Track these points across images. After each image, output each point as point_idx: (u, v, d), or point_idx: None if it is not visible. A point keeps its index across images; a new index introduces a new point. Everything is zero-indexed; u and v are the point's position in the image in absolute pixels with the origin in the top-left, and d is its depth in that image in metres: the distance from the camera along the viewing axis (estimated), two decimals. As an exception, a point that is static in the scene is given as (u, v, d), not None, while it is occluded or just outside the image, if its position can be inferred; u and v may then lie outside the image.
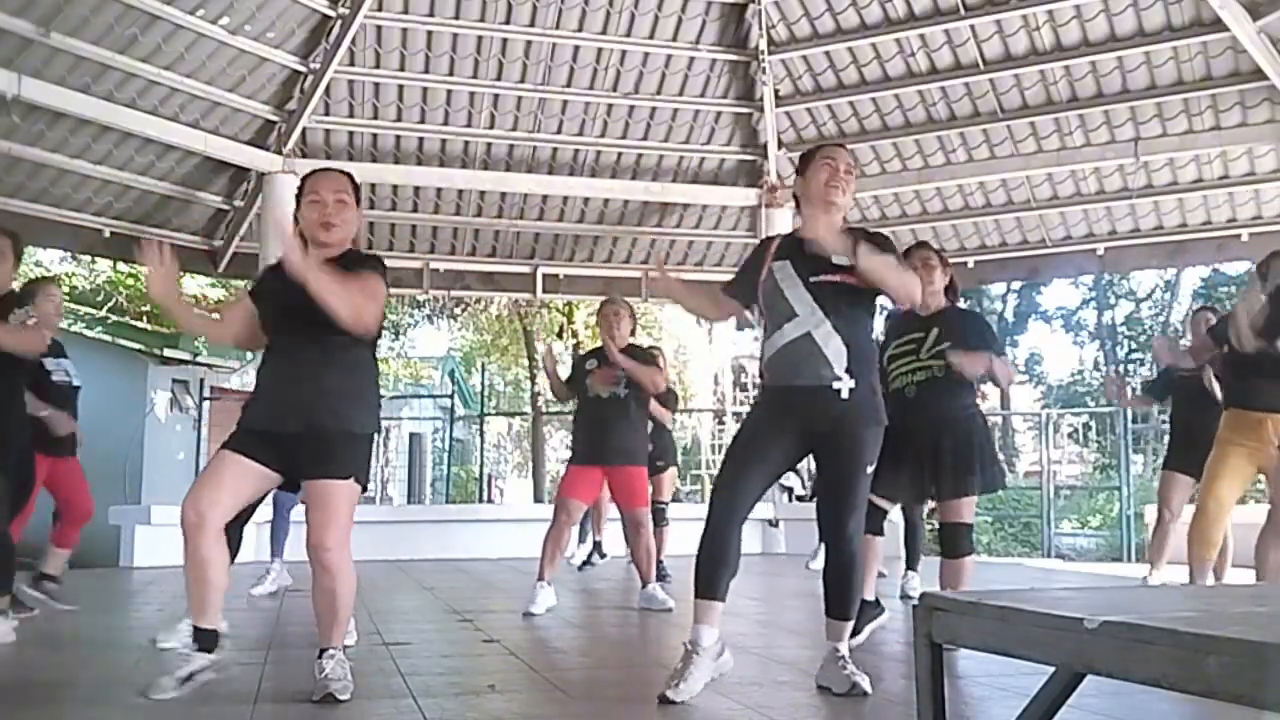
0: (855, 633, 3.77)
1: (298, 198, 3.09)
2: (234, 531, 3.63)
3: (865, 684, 3.01)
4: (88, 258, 13.38)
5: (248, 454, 2.91)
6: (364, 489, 3.02)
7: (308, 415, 2.89)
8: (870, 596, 3.95)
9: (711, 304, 3.51)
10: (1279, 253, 4.62)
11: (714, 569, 3.04)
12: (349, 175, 3.14)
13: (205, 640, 2.89)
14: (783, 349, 3.10)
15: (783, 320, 3.11)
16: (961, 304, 4.32)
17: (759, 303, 3.24)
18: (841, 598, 3.14)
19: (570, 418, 5.84)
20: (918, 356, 3.95)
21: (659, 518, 7.01)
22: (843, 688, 3.01)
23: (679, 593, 6.03)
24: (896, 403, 3.88)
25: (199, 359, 13.04)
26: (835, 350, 3.05)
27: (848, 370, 3.05)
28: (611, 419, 5.14)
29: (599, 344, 5.42)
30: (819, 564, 5.36)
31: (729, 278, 3.47)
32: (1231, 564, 5.37)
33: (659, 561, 6.80)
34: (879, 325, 4.05)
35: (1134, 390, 6.23)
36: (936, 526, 4.06)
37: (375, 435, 3.09)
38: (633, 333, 5.37)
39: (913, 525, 5.81)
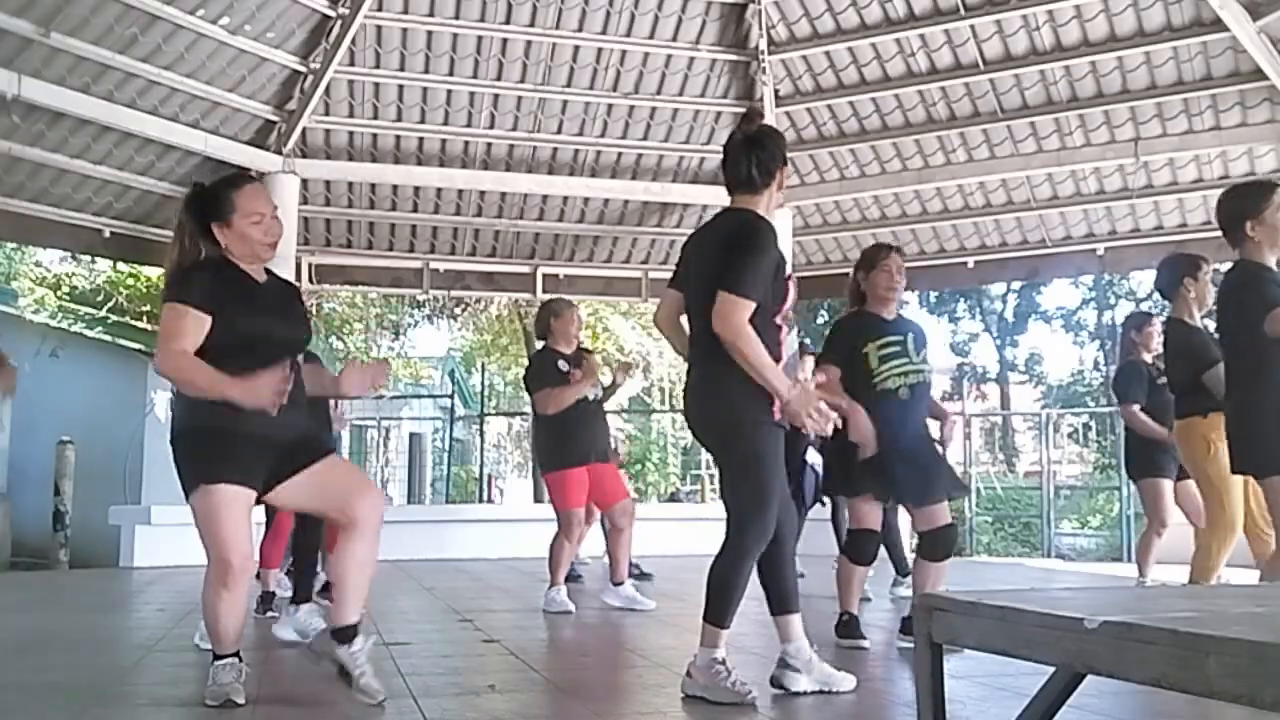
0: (858, 637, 3.86)
1: (221, 209, 2.91)
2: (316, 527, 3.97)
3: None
4: (88, 258, 13.36)
5: (250, 486, 2.85)
6: None
7: (304, 428, 2.98)
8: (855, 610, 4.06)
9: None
10: (1190, 256, 4.50)
11: (740, 598, 2.99)
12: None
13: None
14: (793, 352, 3.14)
15: (785, 329, 3.13)
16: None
17: (785, 300, 3.06)
18: (794, 590, 3.12)
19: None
20: (911, 359, 3.95)
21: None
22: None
23: (681, 591, 6.03)
24: (889, 405, 3.89)
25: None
26: None
27: None
28: (595, 419, 5.19)
29: (544, 344, 5.36)
30: (905, 590, 5.35)
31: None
32: (1226, 563, 5.35)
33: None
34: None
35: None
36: (919, 534, 4.05)
37: None
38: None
39: (893, 529, 5.71)
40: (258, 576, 4.83)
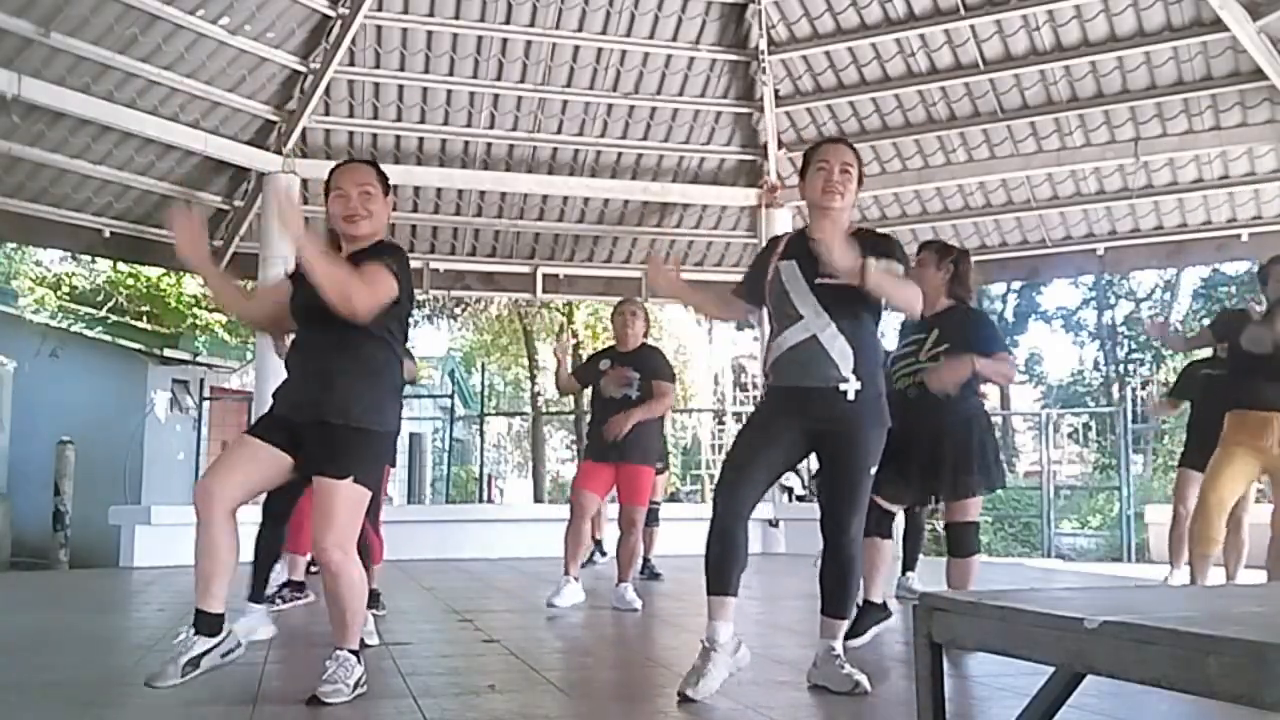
0: (859, 634, 3.81)
1: (325, 194, 3.09)
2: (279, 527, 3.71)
3: (865, 682, 3.01)
4: (88, 258, 13.36)
5: (262, 437, 2.95)
6: (369, 486, 2.96)
7: (318, 408, 2.91)
8: (878, 599, 3.96)
9: (718, 303, 3.50)
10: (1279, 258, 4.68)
11: (723, 564, 3.05)
12: (374, 164, 3.14)
13: (207, 624, 2.84)
14: (788, 351, 3.10)
15: (788, 322, 3.11)
16: (972, 301, 4.25)
17: (767, 304, 3.25)
18: (840, 596, 3.15)
19: (570, 417, 5.89)
20: (917, 358, 3.97)
21: (651, 517, 7.01)
22: (844, 686, 3.01)
23: (681, 591, 6.04)
24: (898, 404, 3.89)
25: (199, 359, 13.04)
26: (841, 352, 3.06)
27: (854, 372, 3.05)
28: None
29: (611, 344, 5.50)
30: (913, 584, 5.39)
31: (738, 279, 3.46)
32: (1245, 564, 5.37)
33: (647, 560, 6.82)
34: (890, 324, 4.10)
35: (1177, 331, 6.28)
36: (942, 527, 4.09)
37: (387, 433, 3.05)
38: (646, 334, 5.42)
39: (916, 528, 5.78)
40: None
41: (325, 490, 2.87)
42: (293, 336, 3.17)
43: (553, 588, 5.09)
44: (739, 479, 3.10)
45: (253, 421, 3.05)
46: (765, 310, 3.28)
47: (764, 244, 3.47)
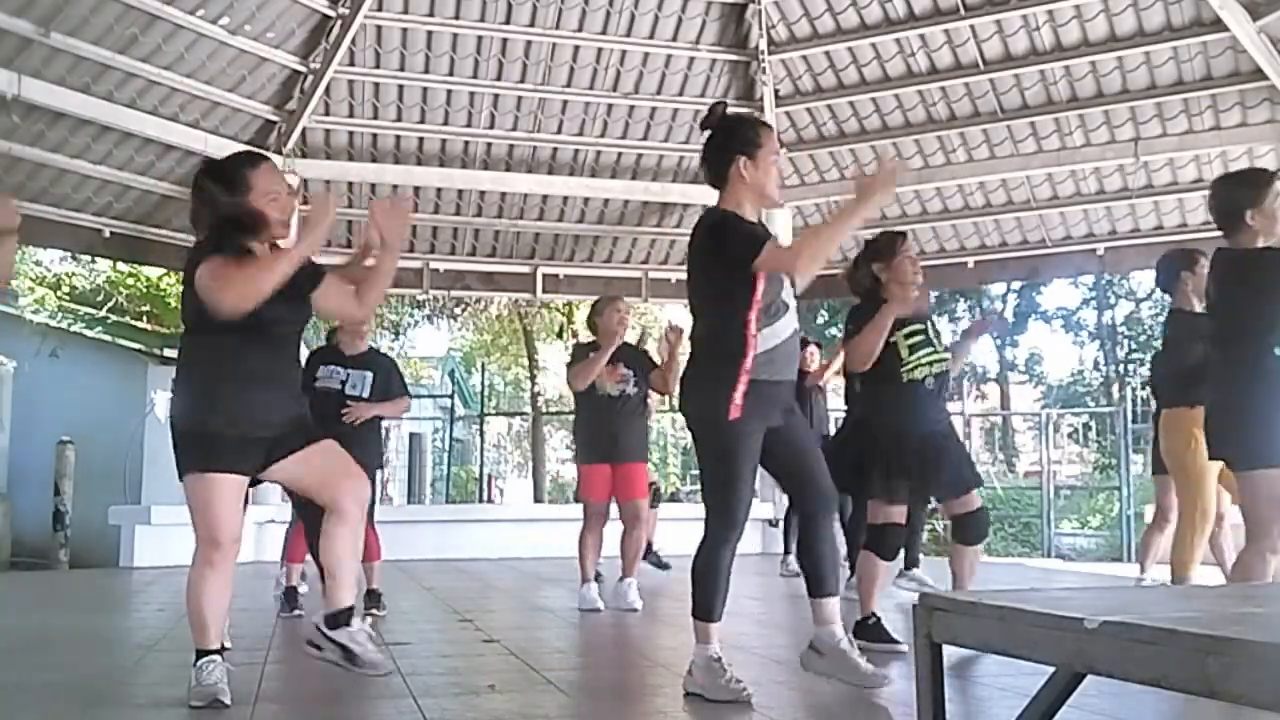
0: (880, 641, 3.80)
1: (237, 188, 2.92)
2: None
3: (881, 672, 3.01)
4: (88, 258, 13.37)
5: (239, 470, 2.92)
6: None
7: (289, 412, 3.00)
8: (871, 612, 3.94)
9: None
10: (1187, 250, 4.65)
11: (722, 590, 3.03)
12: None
13: (219, 652, 2.96)
14: (785, 344, 3.08)
15: (779, 314, 3.07)
16: None
17: (762, 290, 3.04)
18: (830, 569, 3.12)
19: (570, 417, 5.87)
20: (935, 349, 3.92)
21: (651, 499, 7.00)
22: (860, 679, 2.99)
23: (681, 592, 6.02)
24: (915, 396, 3.83)
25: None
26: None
27: None
28: (621, 417, 5.20)
29: (592, 339, 5.40)
30: (909, 582, 5.40)
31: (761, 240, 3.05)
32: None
33: (650, 545, 6.81)
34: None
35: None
36: (950, 521, 4.07)
37: None
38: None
39: (915, 527, 5.77)
40: (281, 566, 5.07)
41: (331, 447, 3.03)
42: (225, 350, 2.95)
43: (577, 598, 5.11)
44: (741, 499, 3.05)
45: (209, 453, 2.88)
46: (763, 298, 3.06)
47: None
